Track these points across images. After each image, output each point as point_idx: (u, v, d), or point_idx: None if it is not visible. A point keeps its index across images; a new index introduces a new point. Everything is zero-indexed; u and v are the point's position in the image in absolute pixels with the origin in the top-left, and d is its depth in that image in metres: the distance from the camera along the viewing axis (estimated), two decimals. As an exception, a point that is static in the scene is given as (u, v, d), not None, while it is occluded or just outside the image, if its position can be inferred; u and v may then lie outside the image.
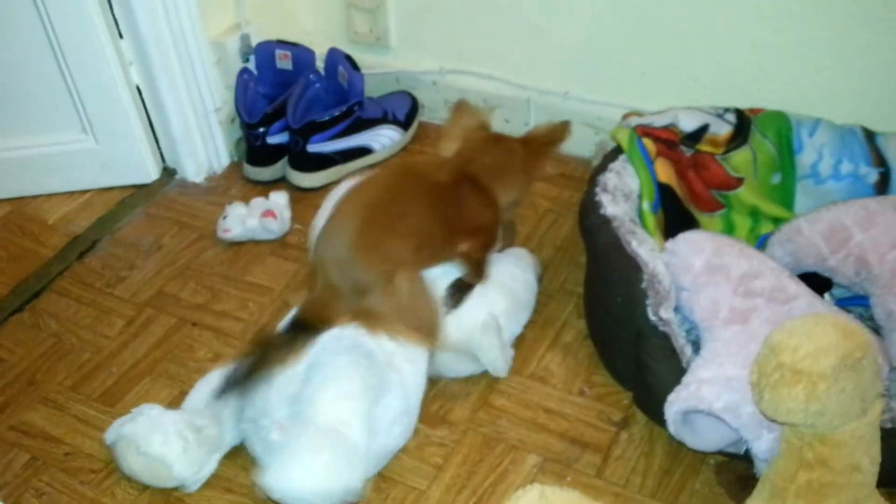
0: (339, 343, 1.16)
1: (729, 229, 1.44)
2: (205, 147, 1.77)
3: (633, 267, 1.20)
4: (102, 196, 1.75)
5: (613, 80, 1.67)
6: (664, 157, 1.39)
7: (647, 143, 1.38)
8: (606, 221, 1.27)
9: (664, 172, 1.38)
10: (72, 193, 1.76)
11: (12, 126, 1.68)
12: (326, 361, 1.13)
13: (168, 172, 1.80)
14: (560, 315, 1.43)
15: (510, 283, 1.34)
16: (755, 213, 1.45)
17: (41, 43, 1.57)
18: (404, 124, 1.82)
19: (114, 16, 1.59)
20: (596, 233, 1.28)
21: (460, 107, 1.40)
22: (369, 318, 1.18)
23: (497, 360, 1.28)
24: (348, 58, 1.76)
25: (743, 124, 1.44)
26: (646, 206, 1.35)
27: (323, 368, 1.12)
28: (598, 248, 1.28)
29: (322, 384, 1.10)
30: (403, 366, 1.19)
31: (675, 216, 1.39)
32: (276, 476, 1.04)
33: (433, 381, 1.29)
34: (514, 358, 1.34)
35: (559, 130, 1.38)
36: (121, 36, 1.62)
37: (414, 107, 1.86)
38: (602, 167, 1.37)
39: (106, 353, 1.41)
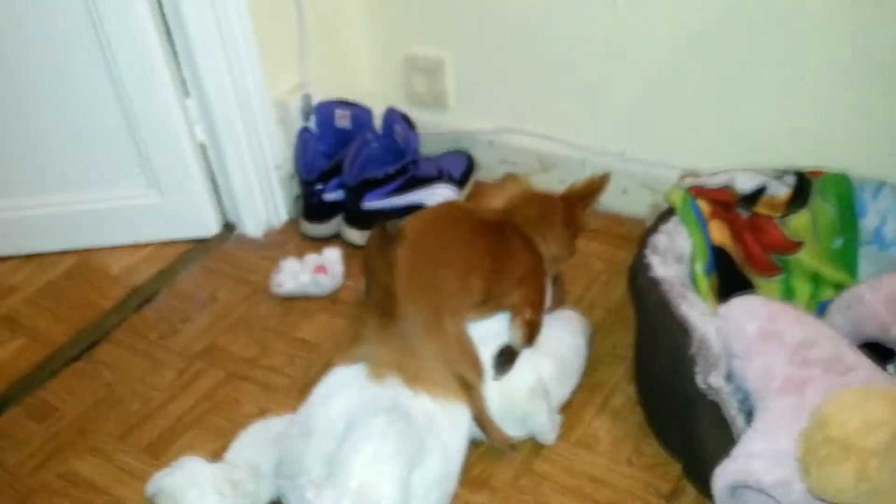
0: (377, 403, 1.14)
1: (788, 295, 1.39)
2: (265, 203, 1.81)
3: (681, 331, 1.16)
4: (163, 249, 1.80)
5: (670, 140, 1.64)
6: (719, 218, 1.36)
7: (702, 204, 1.35)
8: (655, 284, 1.23)
9: (719, 234, 1.34)
10: (135, 246, 1.81)
11: (82, 180, 1.75)
12: (363, 423, 1.12)
13: (228, 227, 1.84)
14: (609, 380, 1.38)
15: (557, 348, 1.32)
16: (816, 279, 1.39)
17: (110, 101, 1.64)
18: (459, 182, 1.82)
19: (181, 76, 1.65)
20: (645, 295, 1.25)
21: (508, 178, 1.46)
22: (412, 371, 1.17)
23: (545, 426, 1.25)
24: (405, 117, 1.78)
25: (803, 187, 1.39)
26: (699, 268, 1.31)
27: (359, 429, 1.11)
28: (646, 312, 1.25)
29: (356, 445, 1.08)
30: (445, 429, 1.17)
31: (729, 279, 1.34)
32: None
33: (475, 444, 1.26)
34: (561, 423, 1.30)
35: (597, 182, 1.42)
36: (187, 95, 1.68)
37: (470, 166, 1.86)
38: (653, 228, 1.34)
39: (155, 405, 1.43)
